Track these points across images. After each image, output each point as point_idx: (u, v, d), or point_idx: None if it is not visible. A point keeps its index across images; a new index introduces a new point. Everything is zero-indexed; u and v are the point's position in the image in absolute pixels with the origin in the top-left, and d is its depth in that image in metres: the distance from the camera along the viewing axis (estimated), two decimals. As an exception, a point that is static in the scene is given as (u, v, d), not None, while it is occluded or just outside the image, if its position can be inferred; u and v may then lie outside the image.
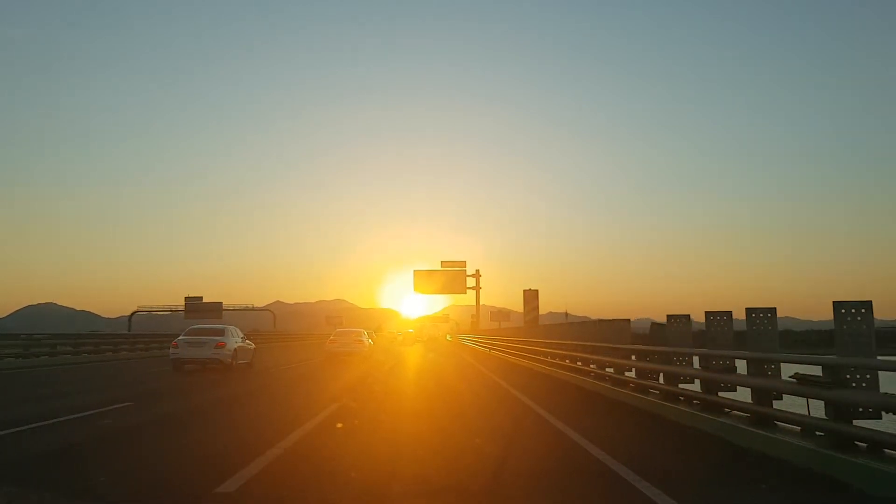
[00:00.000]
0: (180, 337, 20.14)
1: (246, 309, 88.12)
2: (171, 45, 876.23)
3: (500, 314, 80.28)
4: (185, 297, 77.54)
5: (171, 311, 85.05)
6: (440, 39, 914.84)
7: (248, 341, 21.70)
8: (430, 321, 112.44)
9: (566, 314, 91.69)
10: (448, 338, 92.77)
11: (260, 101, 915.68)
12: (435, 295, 72.50)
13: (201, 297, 76.98)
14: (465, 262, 68.43)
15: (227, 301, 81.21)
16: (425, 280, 67.47)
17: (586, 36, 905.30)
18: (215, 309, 76.07)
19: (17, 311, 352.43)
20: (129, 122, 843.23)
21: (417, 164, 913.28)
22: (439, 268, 68.08)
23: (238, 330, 21.66)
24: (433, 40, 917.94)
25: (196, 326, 21.48)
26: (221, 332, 20.24)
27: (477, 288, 68.23)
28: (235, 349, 20.08)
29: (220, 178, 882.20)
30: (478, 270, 68.67)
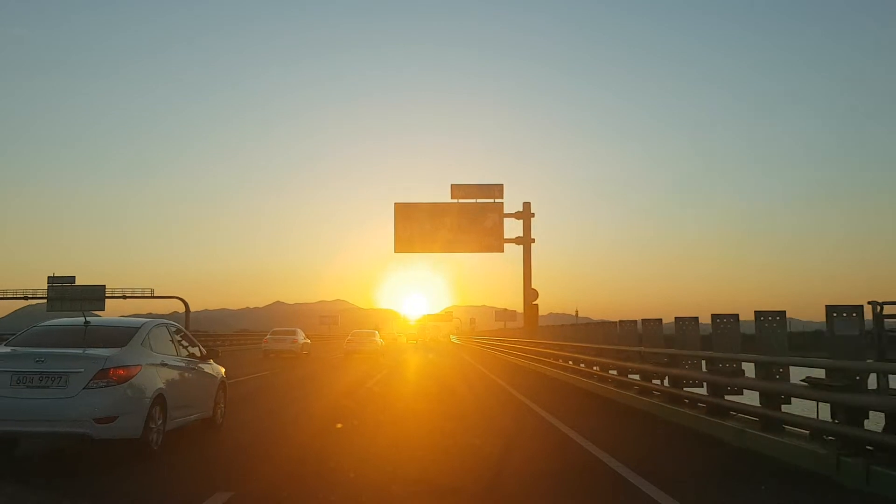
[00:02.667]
0: (268, 336, 31.23)
1: (146, 296, 65.06)
2: (173, 47, 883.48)
3: (506, 314, 79.71)
4: (49, 278, 58.73)
5: (25, 297, 64.10)
6: (438, 42, 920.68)
7: (307, 339, 32.87)
8: (432, 320, 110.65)
9: (576, 314, 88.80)
10: (453, 339, 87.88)
11: (262, 104, 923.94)
12: (438, 254, 39.31)
13: (73, 279, 59.40)
14: (502, 185, 35.59)
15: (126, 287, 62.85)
16: (419, 225, 35.80)
17: (587, 38, 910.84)
18: (94, 297, 57.79)
19: (15, 311, 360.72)
20: (133, 125, 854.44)
21: (419, 167, 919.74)
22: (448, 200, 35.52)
23: (302, 331, 32.77)
24: (430, 43, 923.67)
25: (277, 329, 32.70)
26: (294, 333, 31.61)
27: (526, 240, 35.03)
28: (302, 343, 31.30)
29: (223, 180, 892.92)
30: (528, 205, 35.35)
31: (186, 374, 8.16)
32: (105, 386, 6.57)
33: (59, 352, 6.80)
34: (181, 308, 64.64)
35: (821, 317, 6.98)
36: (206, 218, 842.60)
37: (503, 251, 35.64)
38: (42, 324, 7.99)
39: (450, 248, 36.55)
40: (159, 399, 7.21)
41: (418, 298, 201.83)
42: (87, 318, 7.66)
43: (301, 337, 31.40)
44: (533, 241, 35.29)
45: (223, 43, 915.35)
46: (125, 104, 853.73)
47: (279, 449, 7.86)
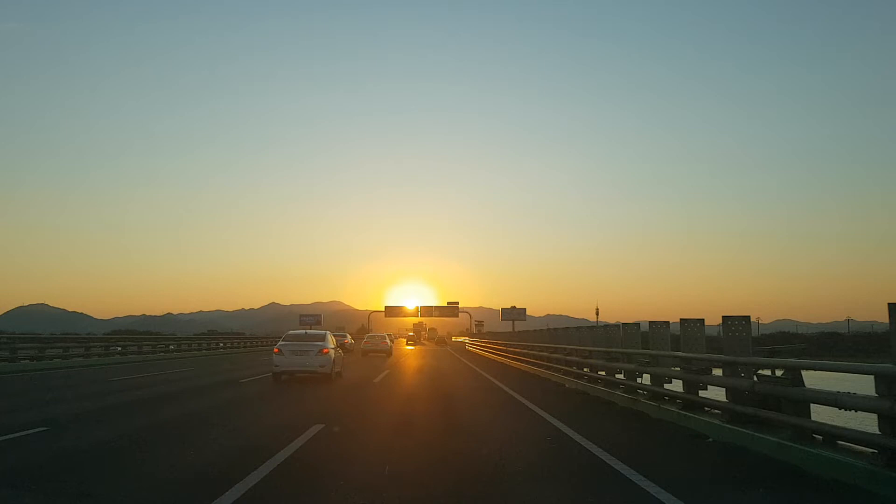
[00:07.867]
0: (364, 339, 46.95)
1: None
2: (172, 52, 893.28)
3: (514, 314, 77.96)
4: None
5: None
6: (434, 47, 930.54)
7: (352, 340, 50.46)
8: (434, 315, 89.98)
9: (597, 313, 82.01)
10: (466, 343, 70.25)
11: (259, 107, 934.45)
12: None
13: None
14: None
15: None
16: None
17: (585, 47, 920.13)
18: None
19: (8, 311, 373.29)
20: (129, 129, 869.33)
21: (416, 167, 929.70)
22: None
23: (350, 334, 49.80)
24: (427, 47, 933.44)
25: (335, 333, 46.15)
26: (345, 336, 47.69)
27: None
28: (351, 342, 48.39)
29: (219, 184, 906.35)
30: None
31: (336, 353, 21.14)
32: (322, 355, 19.67)
33: (305, 343, 20.06)
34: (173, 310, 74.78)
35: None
36: (202, 221, 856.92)
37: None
38: (290, 332, 21.23)
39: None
40: (334, 361, 20.24)
41: (414, 299, 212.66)
42: (306, 331, 20.84)
43: (349, 338, 50.74)
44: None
45: (220, 47, 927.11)
46: (123, 108, 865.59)
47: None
